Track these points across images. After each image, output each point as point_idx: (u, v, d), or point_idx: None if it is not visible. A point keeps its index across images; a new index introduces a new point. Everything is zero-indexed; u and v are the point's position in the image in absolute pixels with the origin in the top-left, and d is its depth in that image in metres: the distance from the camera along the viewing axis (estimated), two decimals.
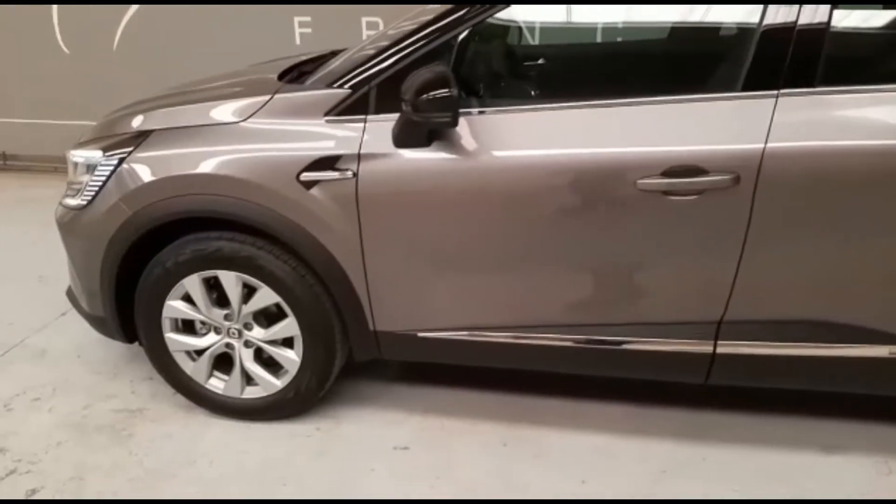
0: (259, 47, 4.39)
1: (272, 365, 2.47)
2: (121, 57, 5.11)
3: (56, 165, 5.47)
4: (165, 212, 2.26)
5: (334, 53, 3.01)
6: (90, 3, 4.98)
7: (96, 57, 5.13)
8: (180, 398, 2.65)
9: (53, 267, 3.78)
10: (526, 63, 2.40)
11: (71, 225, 2.45)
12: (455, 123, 1.91)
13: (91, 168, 2.37)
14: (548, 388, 2.66)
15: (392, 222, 2.15)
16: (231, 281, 2.32)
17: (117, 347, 3.00)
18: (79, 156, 2.44)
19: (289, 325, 2.35)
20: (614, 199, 2.00)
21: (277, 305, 2.33)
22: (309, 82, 2.28)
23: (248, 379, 2.49)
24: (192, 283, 2.35)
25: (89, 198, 2.36)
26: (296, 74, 2.59)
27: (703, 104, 1.97)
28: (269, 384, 2.47)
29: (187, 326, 2.51)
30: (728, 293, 2.06)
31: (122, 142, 2.34)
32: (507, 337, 2.25)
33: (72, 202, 2.43)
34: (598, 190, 2.01)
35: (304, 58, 2.93)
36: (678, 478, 2.27)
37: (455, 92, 1.86)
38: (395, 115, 2.08)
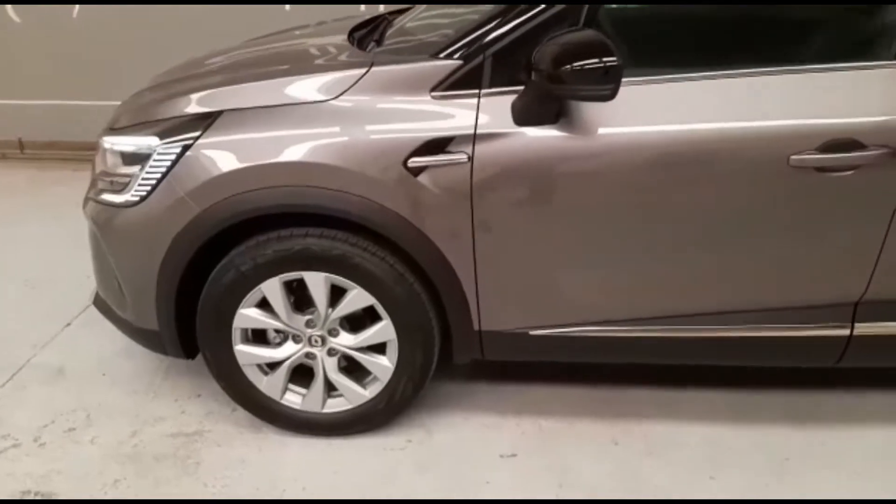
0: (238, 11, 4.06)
1: (352, 373, 2.21)
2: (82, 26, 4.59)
3: (4, 152, 4.94)
4: (243, 208, 1.95)
5: (386, 18, 2.75)
6: None
7: (53, 26, 4.59)
8: (240, 415, 2.36)
9: (40, 269, 3.36)
10: (659, 29, 2.20)
11: (116, 225, 2.11)
12: (613, 96, 1.69)
13: (143, 158, 2.03)
14: (636, 377, 2.51)
15: (510, 210, 1.92)
16: (318, 283, 2.04)
17: (144, 360, 2.66)
18: (123, 143, 2.09)
19: (383, 329, 2.10)
20: (764, 177, 1.84)
21: (367, 309, 2.07)
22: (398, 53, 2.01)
23: (330, 390, 2.23)
24: (272, 288, 2.06)
25: (143, 193, 2.02)
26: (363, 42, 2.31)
27: (858, 73, 1.83)
28: (355, 395, 2.21)
29: (257, 336, 2.22)
30: (870, 272, 1.95)
31: (182, 125, 2.01)
32: (632, 330, 2.07)
33: (116, 198, 2.08)
34: (746, 168, 1.84)
35: (353, 21, 2.63)
36: (803, 466, 2.16)
37: (619, 60, 1.64)
38: (515, 89, 1.85)
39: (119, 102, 2.46)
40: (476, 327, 2.10)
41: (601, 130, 1.84)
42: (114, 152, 2.12)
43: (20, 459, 2.21)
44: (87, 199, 2.26)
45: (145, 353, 2.63)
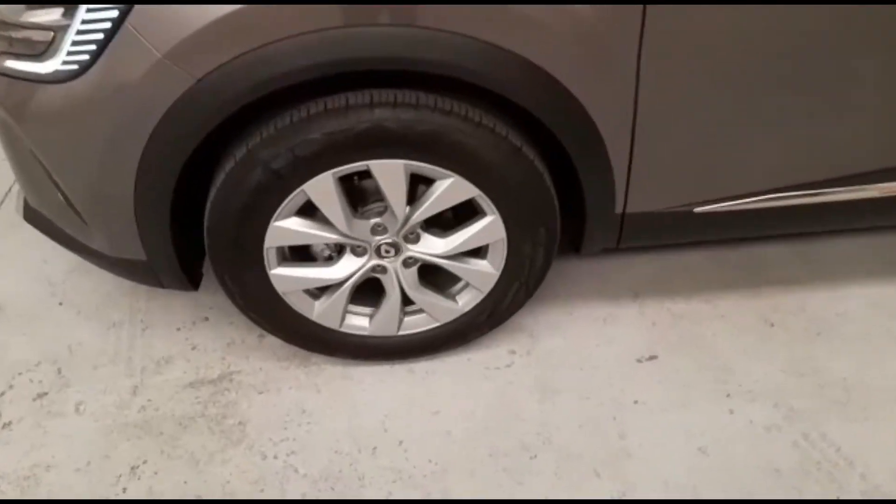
0: None
1: (428, 279, 1.59)
2: None
3: None
4: (272, 72, 1.17)
5: None
6: None
7: None
8: (273, 341, 1.74)
9: None
10: None
11: (41, 111, 1.28)
12: None
13: None
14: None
15: (698, 46, 1.22)
16: (393, 175, 1.33)
17: (109, 275, 1.93)
18: None
19: (489, 228, 1.44)
20: None
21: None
22: None
23: (405, 304, 1.61)
24: (322, 188, 1.33)
25: (83, 59, 1.19)
26: None
27: None
28: (445, 311, 1.60)
29: (299, 251, 1.53)
30: None
31: None
32: (805, 196, 1.50)
33: (32, 67, 1.24)
34: None
35: None
36: None
37: None
38: None
39: None
40: (619, 210, 1.47)
41: None
42: None
43: None
44: None
45: None
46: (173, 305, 1.88)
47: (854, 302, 1.83)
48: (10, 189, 2.31)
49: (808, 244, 1.99)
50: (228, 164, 1.31)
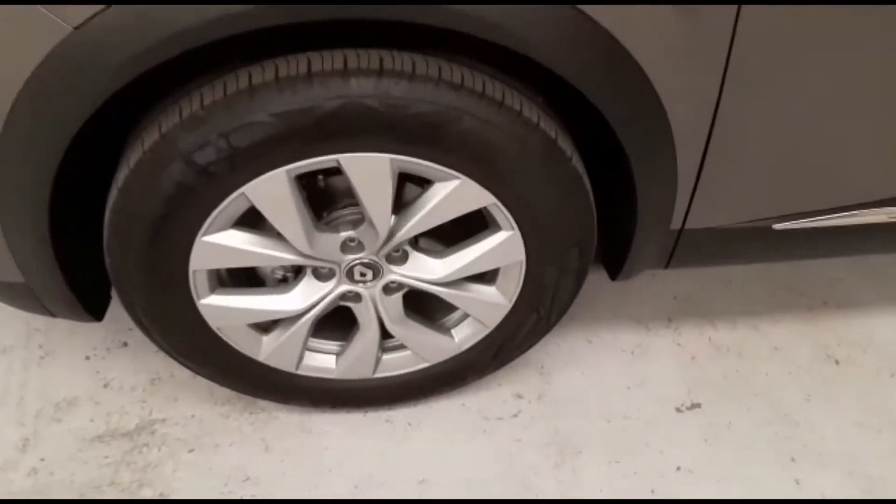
0: None
1: (411, 304, 1.20)
2: None
3: None
4: (189, 16, 0.75)
5: None
6: None
7: None
8: (204, 381, 1.33)
9: None
10: None
11: None
12: None
13: None
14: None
15: (793, 42, 0.86)
16: (376, 174, 0.93)
17: None
18: None
19: (506, 247, 1.05)
20: None
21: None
22: None
23: (384, 338, 1.22)
24: (271, 190, 0.92)
25: None
26: None
27: None
28: (437, 350, 1.22)
29: (237, 273, 1.13)
30: None
31: None
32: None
33: None
34: None
35: None
36: None
37: None
38: None
39: None
40: (676, 225, 1.10)
41: None
42: None
43: None
44: None
45: None
46: (83, 326, 1.46)
47: None
48: None
49: (869, 257, 1.64)
50: (134, 156, 0.89)
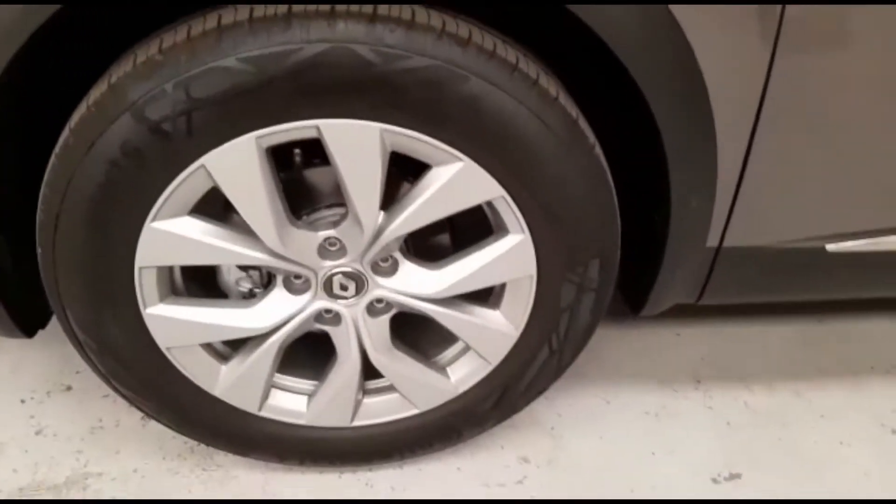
0: None
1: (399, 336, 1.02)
2: None
3: None
4: None
5: None
6: None
7: None
8: (158, 426, 1.12)
9: None
10: None
11: None
12: None
13: None
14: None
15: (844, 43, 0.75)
16: (364, 147, 0.78)
17: None
18: None
19: (512, 256, 0.89)
20: None
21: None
22: None
23: (366, 377, 1.03)
24: (237, 162, 0.77)
25: None
26: None
27: None
28: (430, 390, 1.02)
29: (195, 280, 0.96)
30: None
31: None
32: None
33: None
34: None
35: None
36: None
37: None
38: None
39: None
40: (713, 243, 0.94)
41: None
42: None
43: None
44: None
45: None
46: (25, 364, 1.27)
47: None
48: None
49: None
50: (77, 115, 0.75)
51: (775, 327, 1.44)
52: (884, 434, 1.24)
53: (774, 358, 1.38)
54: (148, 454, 1.12)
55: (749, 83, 0.81)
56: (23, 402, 1.21)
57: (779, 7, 0.76)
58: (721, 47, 0.79)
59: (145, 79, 0.72)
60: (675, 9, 0.75)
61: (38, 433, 1.16)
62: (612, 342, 1.37)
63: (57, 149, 0.77)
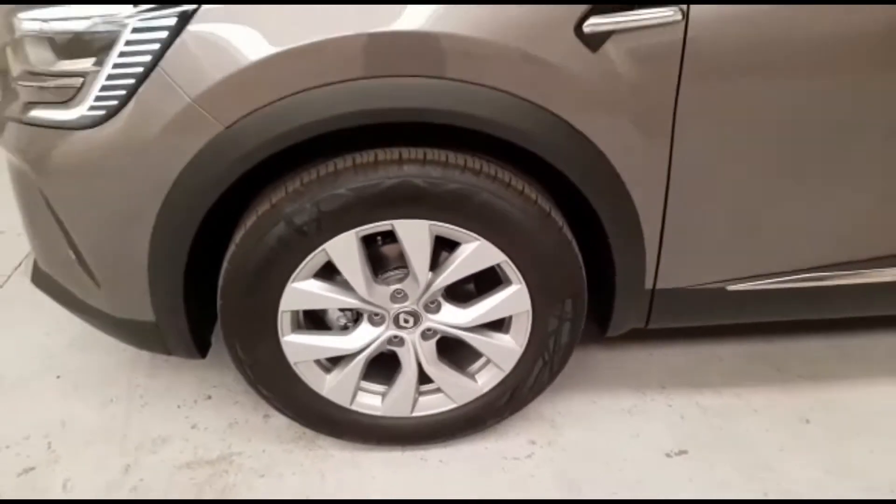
0: None
1: (444, 356, 1.51)
2: None
3: None
4: (303, 120, 1.16)
5: None
6: None
7: None
8: (278, 423, 1.64)
9: None
10: None
11: (64, 160, 1.26)
12: None
13: (103, 42, 1.17)
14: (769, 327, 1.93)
15: (742, 101, 1.22)
16: (418, 236, 1.29)
17: (109, 350, 1.86)
18: (61, 20, 1.21)
19: (514, 298, 1.38)
20: None
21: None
22: None
23: (421, 383, 1.52)
24: (344, 248, 1.29)
25: (112, 103, 1.18)
26: None
27: None
28: (464, 390, 1.51)
29: (311, 319, 1.47)
30: None
31: None
32: (852, 275, 1.45)
33: (60, 114, 1.23)
34: None
35: None
36: None
37: None
38: None
39: None
40: (649, 285, 1.42)
41: None
42: (44, 37, 1.23)
43: None
44: (4, 123, 1.38)
45: (112, 341, 1.83)
46: (175, 383, 1.78)
47: (892, 399, 1.73)
48: (20, 263, 2.28)
49: (843, 338, 1.91)
50: (250, 220, 1.28)
51: (728, 346, 1.89)
52: (800, 424, 1.67)
53: (724, 370, 1.82)
54: (270, 440, 1.62)
55: (655, 182, 1.29)
56: (178, 407, 1.72)
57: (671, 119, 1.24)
58: (636, 162, 1.27)
59: (293, 201, 1.24)
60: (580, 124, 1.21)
61: (192, 427, 1.67)
62: (599, 360, 1.84)
63: (237, 240, 1.29)
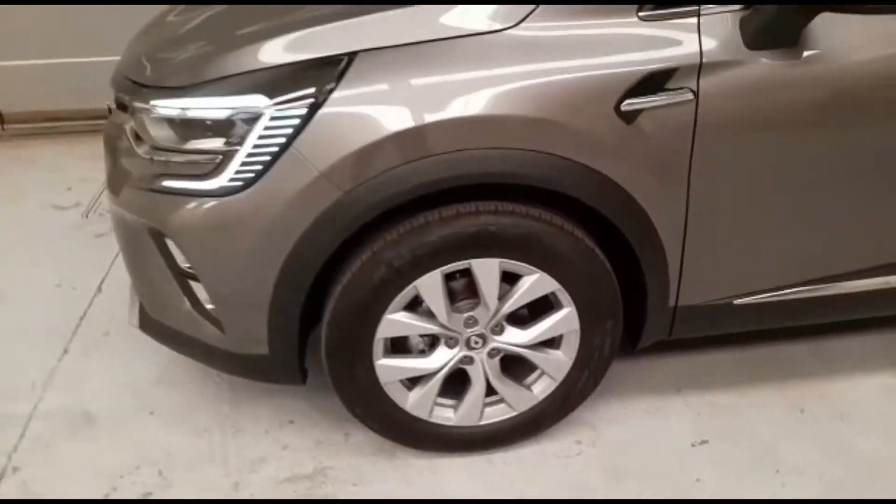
0: None
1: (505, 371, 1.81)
2: None
3: None
4: (404, 186, 1.47)
5: None
6: None
7: None
8: (359, 440, 1.91)
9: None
10: None
11: (203, 222, 1.54)
12: None
13: (239, 126, 1.47)
14: (780, 331, 2.26)
15: (739, 157, 1.57)
16: (489, 271, 1.60)
17: (194, 386, 2.11)
18: (204, 107, 1.51)
19: (565, 320, 1.69)
20: None
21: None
22: None
23: (487, 395, 1.81)
24: (431, 284, 1.59)
25: (249, 175, 1.47)
26: None
27: None
28: (523, 399, 1.81)
29: (395, 345, 1.75)
30: None
31: (300, 76, 1.46)
32: (846, 286, 1.80)
33: (201, 185, 1.51)
34: None
35: None
36: None
37: None
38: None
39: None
40: (672, 303, 1.74)
41: (864, 55, 1.50)
42: (185, 121, 1.53)
43: None
44: (121, 187, 1.66)
45: (192, 377, 2.09)
46: (258, 411, 2.03)
47: (867, 389, 2.07)
48: (90, 303, 2.48)
49: (819, 343, 2.24)
50: (355, 265, 1.56)
51: (729, 353, 2.22)
52: (796, 413, 2.00)
53: (728, 372, 2.15)
54: (355, 455, 1.88)
55: (676, 219, 1.61)
56: (266, 431, 1.97)
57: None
58: (661, 206, 1.59)
59: (392, 249, 1.53)
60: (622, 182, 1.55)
61: (283, 448, 1.91)
62: (624, 369, 2.15)
63: (343, 281, 1.57)
